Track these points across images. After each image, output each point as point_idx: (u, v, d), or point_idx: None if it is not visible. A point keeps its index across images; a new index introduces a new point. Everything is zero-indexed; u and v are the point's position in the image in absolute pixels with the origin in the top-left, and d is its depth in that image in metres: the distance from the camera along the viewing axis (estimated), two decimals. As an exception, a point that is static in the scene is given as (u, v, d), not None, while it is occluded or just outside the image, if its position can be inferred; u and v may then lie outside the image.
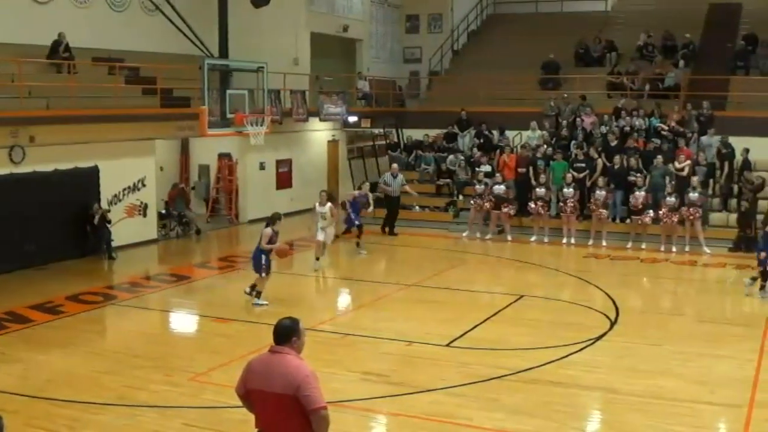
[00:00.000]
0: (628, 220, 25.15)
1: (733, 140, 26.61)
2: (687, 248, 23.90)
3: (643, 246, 24.36)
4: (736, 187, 25.61)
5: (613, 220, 25.63)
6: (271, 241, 17.41)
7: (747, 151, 26.14)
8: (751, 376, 12.97)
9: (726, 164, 26.18)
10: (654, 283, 21.25)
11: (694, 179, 24.61)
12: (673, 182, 24.73)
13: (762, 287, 18.59)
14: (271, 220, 17.78)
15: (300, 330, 7.15)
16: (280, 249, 17.76)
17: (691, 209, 23.93)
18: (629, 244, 24.50)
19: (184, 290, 19.56)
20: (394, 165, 27.64)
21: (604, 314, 16.70)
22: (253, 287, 17.57)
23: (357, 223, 24.06)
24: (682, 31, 33.70)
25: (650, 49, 33.77)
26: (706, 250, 23.75)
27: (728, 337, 15.44)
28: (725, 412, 11.61)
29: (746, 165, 26.05)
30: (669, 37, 34.10)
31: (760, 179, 25.19)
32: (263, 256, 17.33)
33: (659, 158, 25.84)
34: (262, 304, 17.25)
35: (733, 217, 24.82)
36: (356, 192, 25.38)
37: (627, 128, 28.40)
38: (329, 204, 21.52)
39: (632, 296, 19.33)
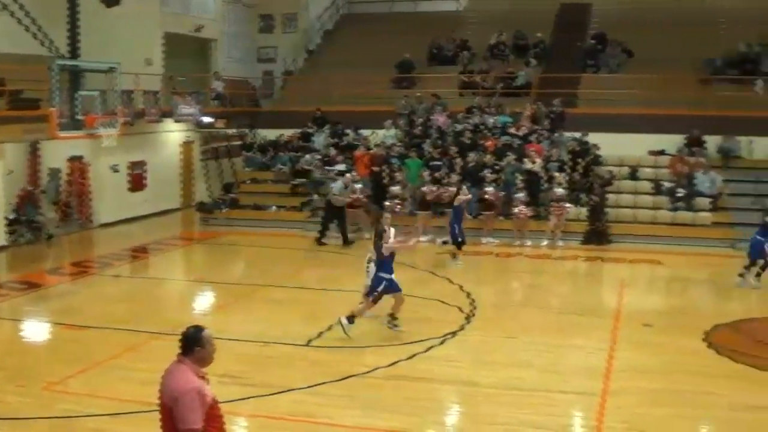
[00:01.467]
0: (481, 216, 25.56)
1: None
2: (545, 242, 24.49)
3: (496, 241, 24.80)
4: (586, 182, 26.29)
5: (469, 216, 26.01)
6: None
7: (596, 147, 26.99)
8: (603, 365, 13.36)
9: (580, 160, 26.88)
10: (509, 277, 21.69)
11: (559, 175, 25.30)
12: (523, 178, 25.28)
13: (758, 274, 19.51)
14: (379, 235, 15.44)
15: (203, 339, 7.00)
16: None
17: (560, 204, 24.59)
18: (484, 240, 24.92)
19: (36, 298, 18.92)
20: (348, 175, 25.91)
21: (461, 309, 16.94)
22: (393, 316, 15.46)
23: (460, 239, 22.09)
24: (534, 30, 34.52)
25: (502, 48, 34.44)
26: (560, 243, 24.38)
27: (581, 327, 15.87)
28: (579, 401, 11.91)
29: (595, 160, 26.83)
30: (520, 36, 34.86)
31: (609, 174, 25.98)
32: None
33: (510, 155, 26.39)
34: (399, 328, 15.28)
35: (584, 211, 25.50)
36: (462, 195, 22.71)
37: (480, 126, 28.91)
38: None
39: (488, 290, 19.67)
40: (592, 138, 27.60)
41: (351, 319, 14.99)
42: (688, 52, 31.26)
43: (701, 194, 26.05)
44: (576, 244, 24.51)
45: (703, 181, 26.25)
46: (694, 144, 28.07)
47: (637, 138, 27.96)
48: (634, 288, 19.87)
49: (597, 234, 24.73)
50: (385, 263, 15.17)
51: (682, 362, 13.73)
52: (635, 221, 25.65)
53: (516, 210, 24.81)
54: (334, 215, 25.14)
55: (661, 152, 28.29)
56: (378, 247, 15.30)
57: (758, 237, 19.57)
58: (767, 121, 27.67)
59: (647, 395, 12.11)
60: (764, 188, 26.44)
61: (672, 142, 28.22)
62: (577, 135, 27.99)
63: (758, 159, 27.80)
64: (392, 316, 15.39)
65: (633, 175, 27.37)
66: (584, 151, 27.21)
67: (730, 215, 25.82)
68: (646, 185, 26.92)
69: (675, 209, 25.85)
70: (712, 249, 23.96)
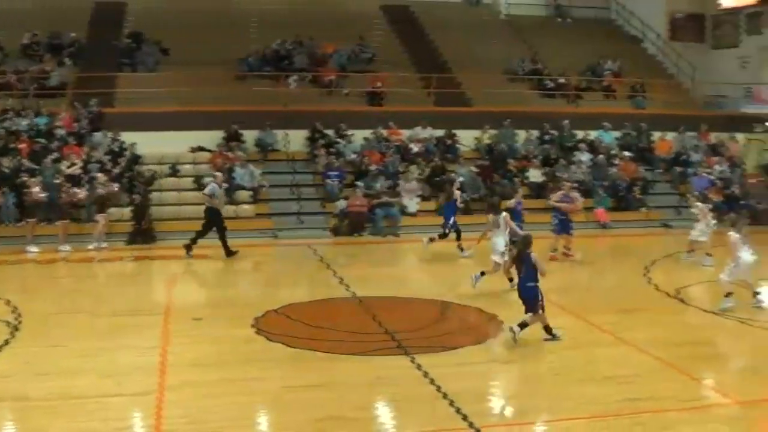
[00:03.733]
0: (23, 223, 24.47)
1: (124, 135, 27.33)
2: (91, 246, 23.91)
3: (36, 249, 23.75)
4: (128, 182, 26.07)
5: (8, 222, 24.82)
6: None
7: (134, 145, 26.93)
8: (157, 362, 13.31)
9: (120, 160, 26.65)
10: (55, 284, 20.94)
11: (100, 176, 24.86)
12: (65, 181, 24.67)
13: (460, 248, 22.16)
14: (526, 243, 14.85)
15: None
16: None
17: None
18: (28, 247, 23.83)
19: None
20: (219, 174, 24.41)
21: (5, 321, 16.10)
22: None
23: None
24: (69, 29, 33.52)
25: (36, 48, 33.12)
26: (105, 245, 23.99)
27: (132, 328, 15.66)
28: (136, 401, 11.75)
29: (135, 159, 26.74)
30: (55, 36, 33.68)
31: (151, 172, 25.98)
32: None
33: (49, 158, 25.57)
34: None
35: (127, 211, 25.26)
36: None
37: (14, 129, 27.67)
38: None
39: (33, 299, 18.74)
40: (132, 137, 27.53)
41: (523, 326, 14.35)
42: (224, 50, 32.05)
43: (242, 187, 26.82)
44: (122, 245, 24.24)
45: (243, 174, 27.05)
46: (233, 139, 28.85)
47: (177, 135, 28.25)
48: (182, 284, 20.07)
49: (142, 233, 24.64)
50: (532, 271, 14.51)
51: (236, 351, 14.05)
52: (179, 218, 25.80)
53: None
54: (217, 223, 22.85)
55: (201, 148, 28.75)
56: (526, 256, 14.61)
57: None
58: (301, 115, 29.15)
59: (204, 387, 12.22)
60: (301, 179, 27.79)
61: (212, 138, 28.81)
62: (116, 134, 27.72)
63: (294, 151, 29.20)
64: (548, 329, 14.70)
65: (174, 172, 27.55)
66: (122, 150, 27.04)
67: (270, 206, 26.83)
68: (188, 182, 27.21)
69: (218, 204, 26.39)
70: (256, 240, 24.83)
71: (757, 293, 17.16)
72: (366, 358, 13.69)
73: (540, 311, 14.50)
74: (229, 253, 22.63)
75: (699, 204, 22.73)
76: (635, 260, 22.50)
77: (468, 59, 34.11)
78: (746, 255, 16.67)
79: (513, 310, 16.50)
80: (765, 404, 12.00)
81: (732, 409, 11.85)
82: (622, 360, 14.00)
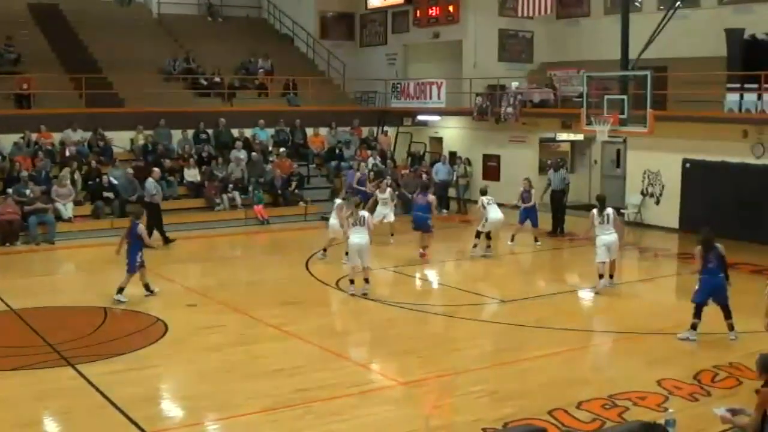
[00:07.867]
0: None
1: None
2: None
3: None
4: None
5: None
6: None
7: None
8: None
9: None
10: None
11: None
12: None
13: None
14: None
15: None
16: None
17: None
18: None
19: None
20: (156, 170, 26.15)
21: None
22: None
23: None
24: None
25: None
26: None
27: None
28: None
29: None
30: None
31: None
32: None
33: None
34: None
35: None
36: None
37: None
38: None
39: None
40: None
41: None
42: None
43: None
44: None
45: None
46: None
47: None
48: None
49: None
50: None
51: None
52: None
53: None
54: (153, 216, 23.69)
55: None
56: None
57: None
58: None
59: None
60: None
61: None
62: None
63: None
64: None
65: None
66: None
67: None
68: None
69: None
70: None
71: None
72: (27, 372, 13.28)
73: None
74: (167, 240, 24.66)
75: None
76: (296, 253, 23.03)
77: (120, 59, 33.42)
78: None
79: (178, 312, 16.60)
80: (425, 383, 12.88)
81: (397, 390, 12.61)
82: (289, 352, 14.44)
